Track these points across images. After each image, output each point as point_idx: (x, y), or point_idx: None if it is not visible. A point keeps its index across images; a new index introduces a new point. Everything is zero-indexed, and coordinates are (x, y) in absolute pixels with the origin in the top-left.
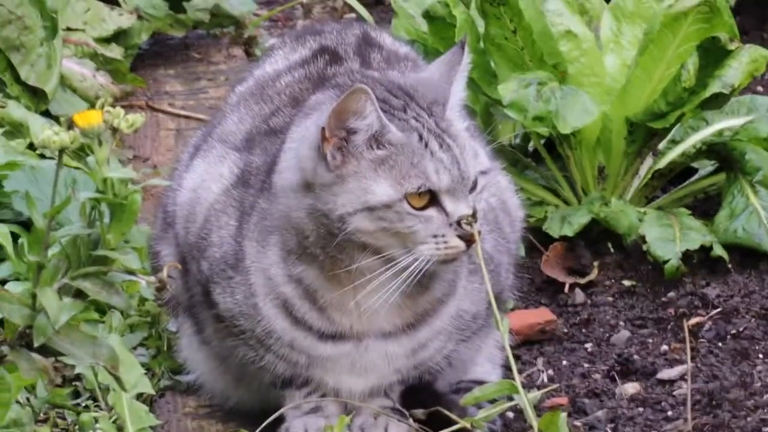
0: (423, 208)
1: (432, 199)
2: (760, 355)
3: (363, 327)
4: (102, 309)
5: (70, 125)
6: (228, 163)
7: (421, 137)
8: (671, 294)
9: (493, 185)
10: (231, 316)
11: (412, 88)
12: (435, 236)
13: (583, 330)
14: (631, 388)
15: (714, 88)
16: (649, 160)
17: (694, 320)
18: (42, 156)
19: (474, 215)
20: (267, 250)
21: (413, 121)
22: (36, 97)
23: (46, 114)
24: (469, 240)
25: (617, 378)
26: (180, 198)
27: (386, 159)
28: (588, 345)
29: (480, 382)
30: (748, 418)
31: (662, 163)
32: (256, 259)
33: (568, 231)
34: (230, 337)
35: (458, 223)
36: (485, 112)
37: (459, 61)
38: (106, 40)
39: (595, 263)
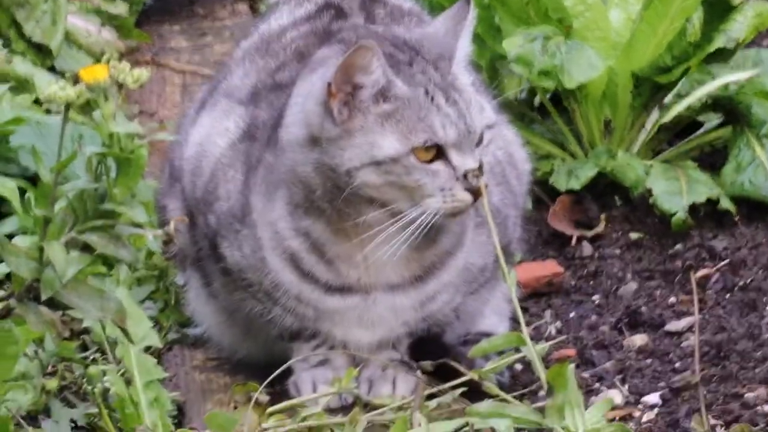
0: (430, 162)
1: (439, 152)
2: None
3: (370, 279)
4: (109, 263)
5: (76, 80)
6: (234, 117)
7: (427, 91)
8: (678, 246)
9: (499, 138)
10: (238, 269)
11: (418, 43)
12: (442, 189)
13: (591, 282)
14: (639, 339)
15: (719, 42)
16: (655, 114)
17: (701, 272)
18: (47, 111)
19: (480, 168)
20: (274, 204)
21: (419, 75)
22: (41, 53)
23: (52, 70)
24: (475, 193)
25: (625, 330)
26: (186, 152)
27: (393, 113)
28: (595, 297)
29: (488, 335)
30: (756, 369)
31: (668, 116)
32: (263, 212)
33: (575, 184)
34: (238, 290)
35: (465, 176)
36: (491, 67)
37: (465, 16)
38: None
39: (602, 216)
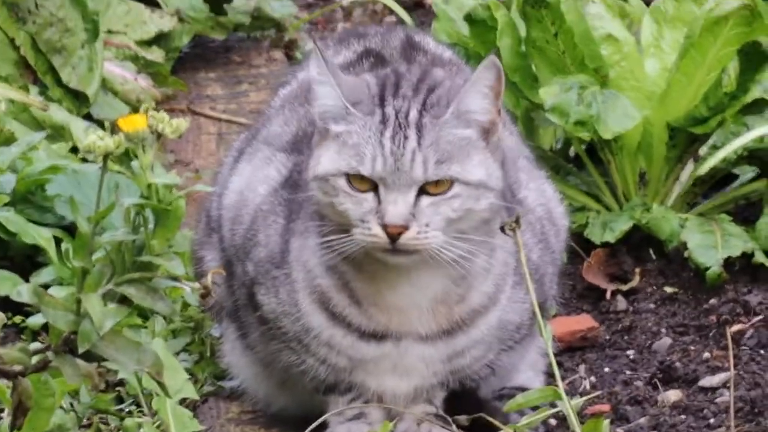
0: (363, 191)
1: (374, 185)
2: None
3: (400, 327)
4: (145, 314)
5: (113, 129)
6: (275, 164)
7: (382, 123)
8: (713, 301)
9: (540, 194)
10: (274, 317)
11: (422, 80)
12: (362, 221)
13: (625, 337)
14: (673, 395)
15: (755, 93)
16: (690, 166)
17: (736, 327)
18: (84, 160)
19: (413, 216)
20: (307, 241)
21: (389, 108)
22: (77, 100)
23: (88, 117)
24: (391, 234)
25: (659, 385)
26: (226, 200)
27: (342, 135)
28: (630, 352)
29: (523, 389)
30: None
31: (703, 169)
32: (299, 252)
33: (610, 237)
34: (273, 340)
35: (382, 216)
36: (526, 117)
37: (480, 72)
38: (147, 43)
39: (637, 270)
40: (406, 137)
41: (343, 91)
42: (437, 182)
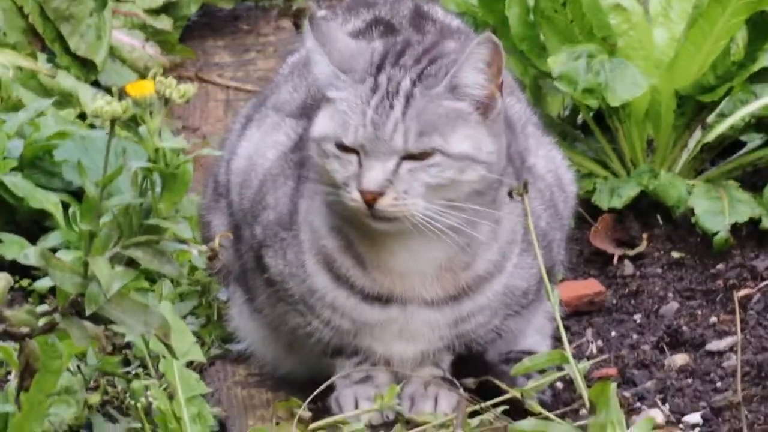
0: (349, 153)
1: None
2: None
3: (404, 292)
4: (152, 278)
5: (122, 95)
6: (285, 130)
7: (373, 91)
8: (720, 266)
9: (549, 160)
10: (281, 279)
11: (432, 53)
12: (345, 185)
13: (632, 301)
14: (680, 359)
15: (763, 61)
16: (697, 133)
17: (743, 292)
18: (92, 126)
19: (390, 182)
20: (314, 202)
21: (383, 76)
22: (85, 67)
23: (96, 84)
24: (367, 199)
25: (666, 349)
26: (234, 165)
27: (336, 101)
28: (637, 316)
29: (530, 353)
30: None
31: (711, 136)
32: (306, 213)
33: (617, 203)
34: (280, 303)
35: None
36: (534, 85)
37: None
38: (155, 11)
39: (644, 235)
40: (391, 107)
41: (333, 59)
42: (422, 153)
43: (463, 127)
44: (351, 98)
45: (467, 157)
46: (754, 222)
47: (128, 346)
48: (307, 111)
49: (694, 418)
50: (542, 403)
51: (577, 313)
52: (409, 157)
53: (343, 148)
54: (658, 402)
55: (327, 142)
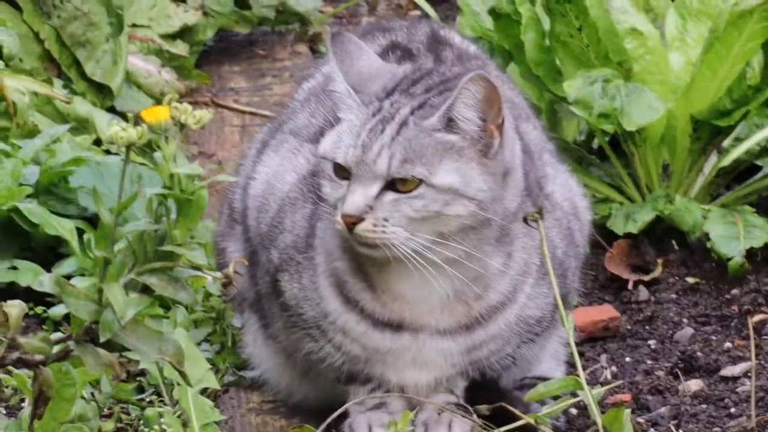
0: (342, 179)
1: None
2: None
3: (415, 320)
4: (166, 304)
5: (137, 121)
6: (304, 154)
7: (374, 114)
8: (735, 291)
9: (564, 189)
10: (295, 303)
11: (447, 84)
12: (334, 207)
13: (647, 327)
14: (695, 385)
15: None
16: (713, 158)
17: (757, 317)
18: (107, 152)
19: (369, 208)
20: (330, 224)
21: (390, 101)
22: (101, 93)
23: (112, 110)
24: (346, 222)
25: (680, 375)
26: (252, 191)
27: (344, 120)
28: (651, 342)
29: (544, 379)
30: None
31: (727, 160)
32: (322, 234)
33: (633, 228)
34: (294, 328)
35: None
36: (550, 110)
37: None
38: (171, 37)
39: (659, 260)
40: (382, 131)
41: (350, 78)
42: (405, 181)
43: (452, 161)
44: (354, 120)
45: (452, 190)
46: None
47: (142, 373)
48: (324, 135)
49: None
50: (556, 429)
51: (591, 339)
52: (394, 188)
53: (337, 171)
54: (672, 428)
55: (326, 161)
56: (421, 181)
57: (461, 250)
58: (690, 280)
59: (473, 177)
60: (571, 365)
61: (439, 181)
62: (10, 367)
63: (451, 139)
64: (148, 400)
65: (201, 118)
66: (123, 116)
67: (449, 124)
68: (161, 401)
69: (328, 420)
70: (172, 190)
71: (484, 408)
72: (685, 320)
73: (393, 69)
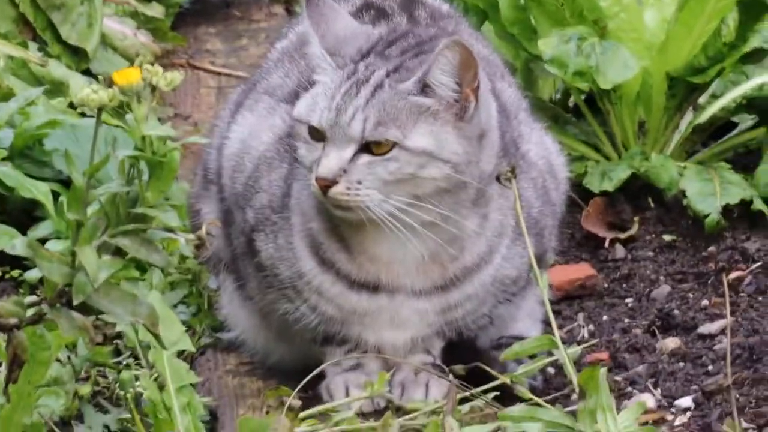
0: (317, 141)
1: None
2: None
3: (391, 281)
4: (143, 267)
5: (110, 83)
6: (280, 113)
7: (348, 77)
8: (711, 248)
9: (540, 147)
10: (271, 263)
11: (422, 47)
12: (309, 170)
13: (624, 285)
14: (672, 342)
15: (754, 42)
16: (689, 115)
17: (734, 274)
18: (83, 115)
19: (343, 171)
20: (305, 186)
21: (363, 64)
22: (77, 56)
23: (87, 73)
24: (320, 185)
25: (657, 333)
26: (227, 150)
27: (319, 83)
28: (628, 300)
29: (520, 338)
30: None
31: (702, 117)
32: (298, 195)
33: (609, 186)
34: (270, 288)
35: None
36: (525, 69)
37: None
38: None
39: (636, 218)
40: (357, 94)
41: (325, 42)
42: (379, 144)
43: (427, 124)
44: (328, 82)
45: (427, 153)
46: (745, 204)
47: (119, 336)
48: (300, 96)
49: (686, 402)
50: (533, 389)
51: (568, 297)
52: (368, 150)
53: (312, 133)
54: (650, 386)
55: (301, 124)
56: (395, 144)
57: (437, 212)
58: (666, 237)
59: (448, 140)
60: (548, 324)
61: (414, 144)
62: None
63: (426, 103)
64: (125, 363)
65: (172, 80)
66: (98, 79)
67: (425, 89)
68: (138, 364)
69: (304, 381)
70: (144, 152)
71: (460, 368)
72: (662, 278)
73: (368, 31)
